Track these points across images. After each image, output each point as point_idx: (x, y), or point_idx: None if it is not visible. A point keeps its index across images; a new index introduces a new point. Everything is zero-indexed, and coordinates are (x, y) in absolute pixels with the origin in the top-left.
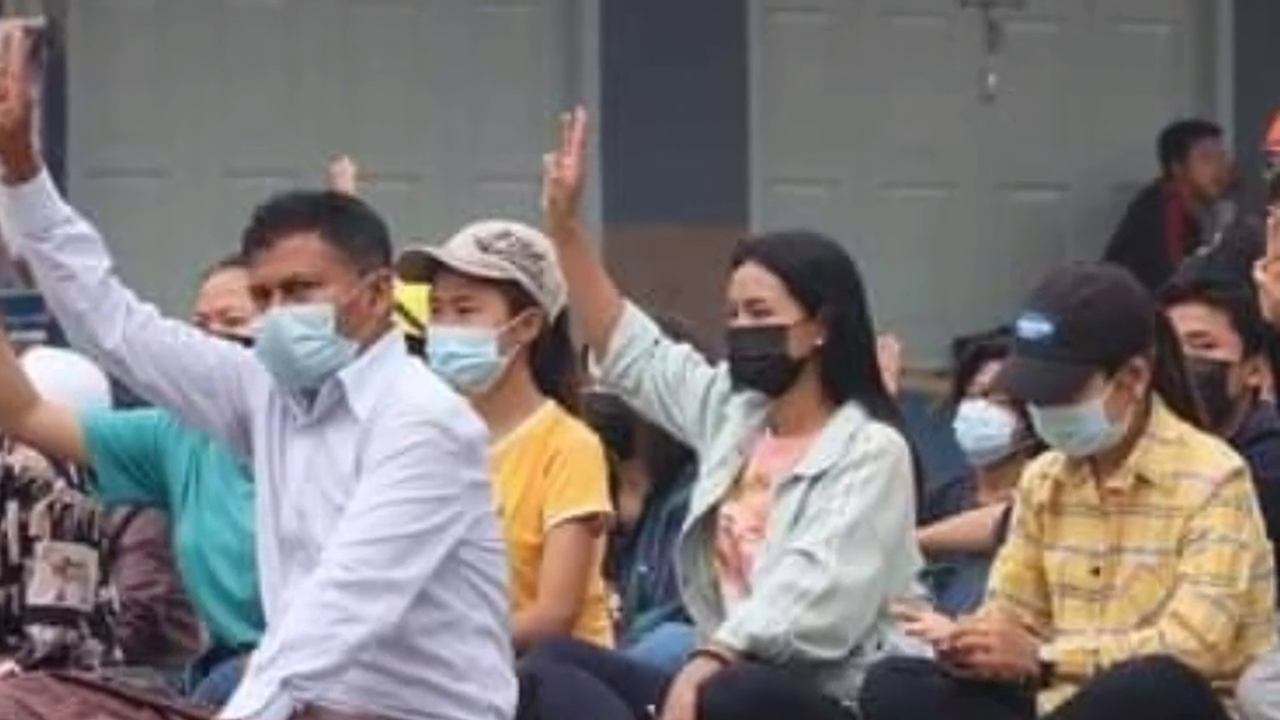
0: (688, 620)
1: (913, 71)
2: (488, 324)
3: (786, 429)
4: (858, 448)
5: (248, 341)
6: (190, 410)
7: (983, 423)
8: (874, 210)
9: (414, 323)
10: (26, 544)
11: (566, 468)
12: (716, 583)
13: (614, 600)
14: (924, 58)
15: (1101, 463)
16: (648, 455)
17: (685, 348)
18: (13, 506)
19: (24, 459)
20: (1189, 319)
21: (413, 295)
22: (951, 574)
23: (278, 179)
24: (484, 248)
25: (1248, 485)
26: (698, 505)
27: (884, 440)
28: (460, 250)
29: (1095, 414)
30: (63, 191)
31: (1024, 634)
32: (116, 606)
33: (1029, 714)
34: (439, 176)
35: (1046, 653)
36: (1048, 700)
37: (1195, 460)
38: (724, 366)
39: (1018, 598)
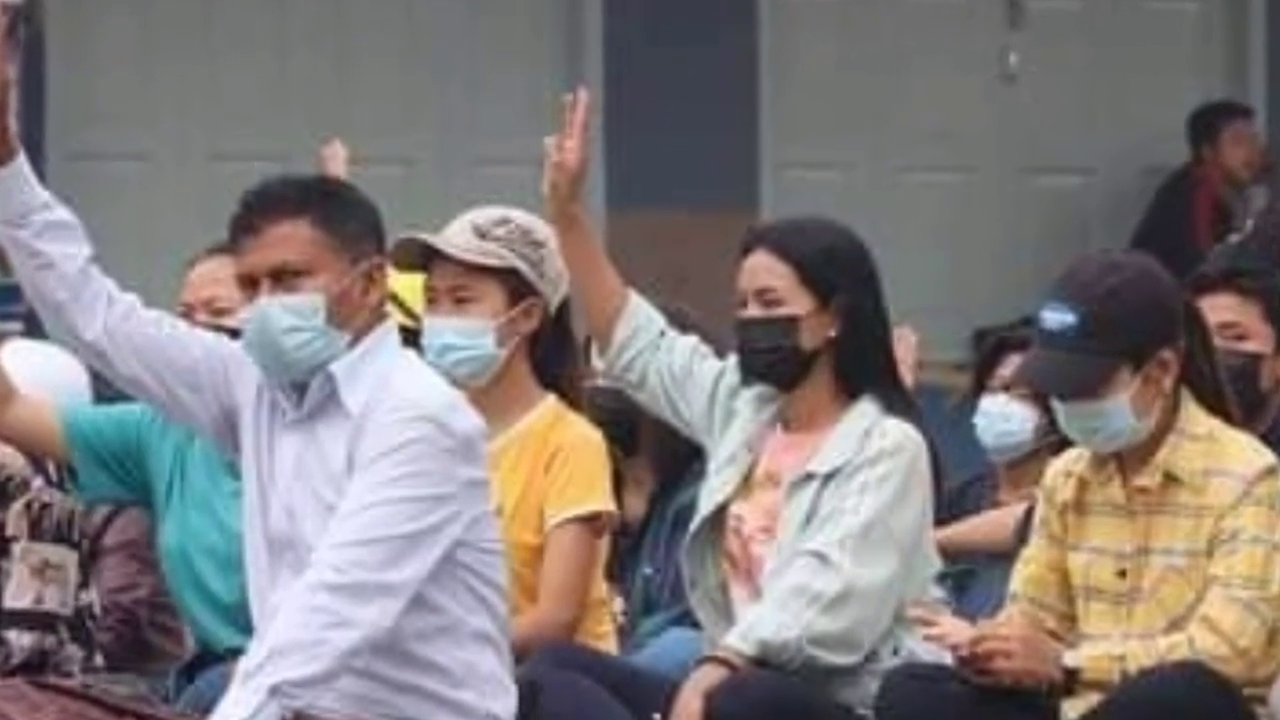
0: (695, 625)
1: (931, 50)
2: (486, 315)
3: (798, 424)
4: (873, 444)
5: (234, 333)
6: (174, 405)
7: (1004, 418)
8: (890, 195)
9: (409, 313)
10: (3, 545)
11: (568, 465)
12: (725, 585)
13: (618, 604)
14: (942, 36)
15: (1128, 460)
16: (653, 452)
17: (692, 340)
18: None
19: (0, 456)
20: (1219, 309)
21: (407, 284)
22: (971, 576)
23: (266, 163)
24: (482, 235)
25: None
26: (705, 504)
27: (900, 436)
28: (457, 237)
29: (1121, 409)
30: (41, 176)
31: (1047, 639)
32: (97, 610)
33: None
34: (435, 160)
35: (1070, 659)
36: (1072, 708)
37: (1226, 457)
38: (733, 359)
39: (1040, 601)
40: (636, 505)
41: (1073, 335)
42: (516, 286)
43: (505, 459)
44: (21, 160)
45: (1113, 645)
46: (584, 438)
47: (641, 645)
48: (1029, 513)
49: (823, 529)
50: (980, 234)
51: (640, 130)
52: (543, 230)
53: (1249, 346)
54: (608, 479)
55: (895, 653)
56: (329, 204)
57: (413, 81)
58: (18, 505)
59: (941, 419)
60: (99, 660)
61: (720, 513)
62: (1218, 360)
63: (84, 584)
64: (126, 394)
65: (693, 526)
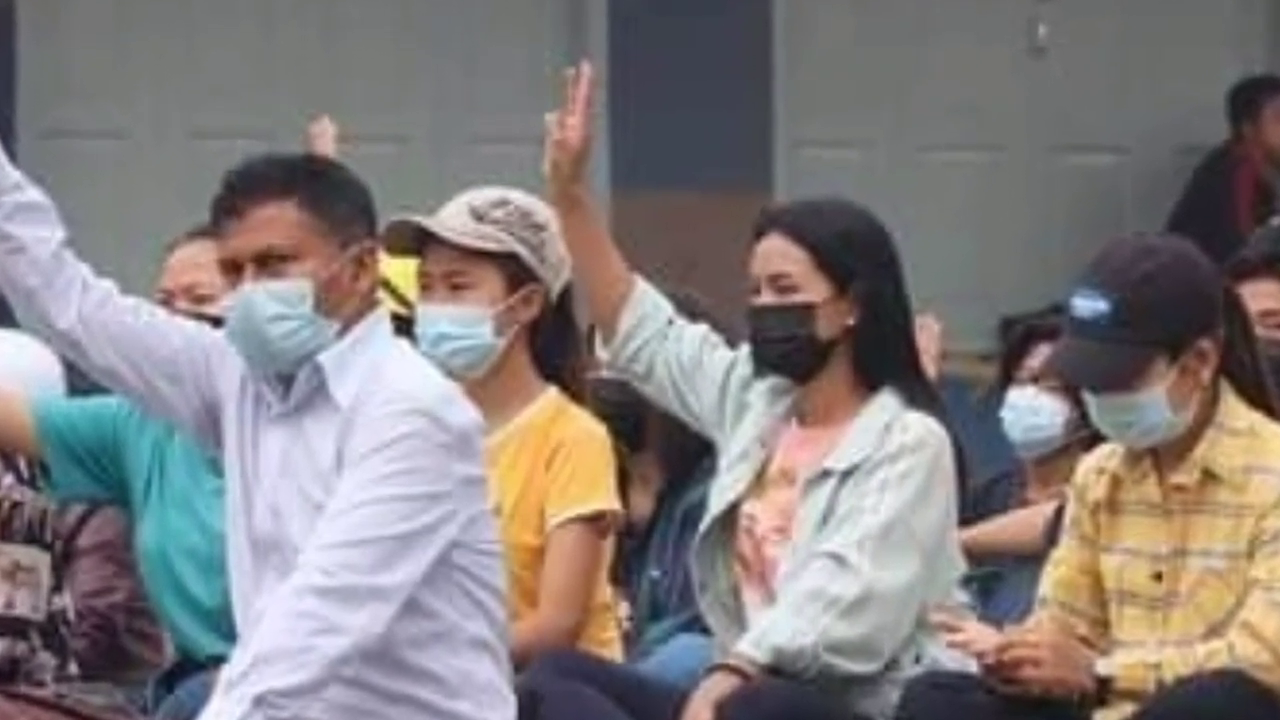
0: (705, 630)
1: (955, 21)
2: (483, 302)
3: (814, 418)
4: (893, 439)
5: (217, 321)
6: (153, 398)
7: (1032, 411)
8: (912, 176)
9: (401, 300)
10: None
11: (570, 461)
12: (737, 589)
13: (623, 608)
14: (967, 6)
15: (1164, 456)
16: (660, 447)
17: (702, 328)
18: None
19: None
20: (1261, 296)
21: (400, 270)
22: (998, 579)
23: (250, 141)
24: (479, 217)
25: None
26: (716, 503)
27: (923, 431)
28: (453, 220)
29: (1157, 402)
30: (12, 155)
31: (1078, 646)
32: (71, 615)
33: None
34: (429, 138)
35: (1103, 667)
36: (1104, 719)
37: (1268, 453)
38: (745, 349)
39: (1071, 605)
40: (643, 504)
41: (1105, 324)
42: (516, 272)
43: (504, 455)
44: None
45: (1148, 652)
46: (587, 432)
47: (648, 652)
48: (1059, 512)
49: (840, 529)
50: (1007, 216)
51: (647, 106)
52: (543, 212)
53: None
54: (612, 476)
55: (917, 660)
56: (317, 185)
57: (406, 54)
58: None
59: (966, 413)
60: (73, 668)
61: (732, 512)
62: (1259, 350)
63: (57, 587)
64: (102, 386)
65: (702, 527)
